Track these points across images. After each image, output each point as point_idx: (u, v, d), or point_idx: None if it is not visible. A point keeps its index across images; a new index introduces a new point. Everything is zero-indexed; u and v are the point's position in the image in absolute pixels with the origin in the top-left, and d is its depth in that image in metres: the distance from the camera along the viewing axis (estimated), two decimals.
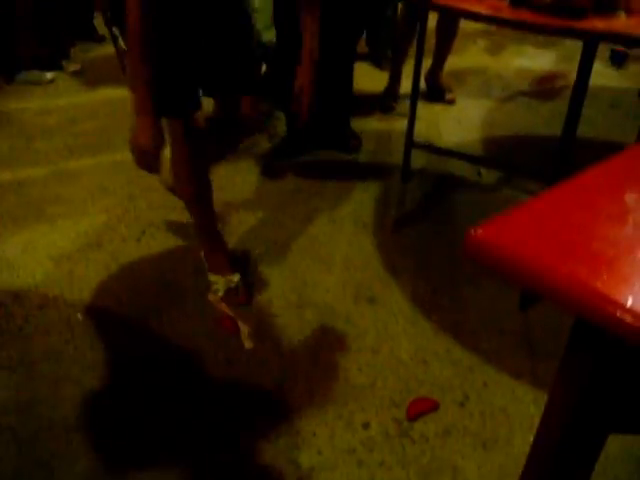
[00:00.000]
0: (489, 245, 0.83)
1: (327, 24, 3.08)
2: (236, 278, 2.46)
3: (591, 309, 0.75)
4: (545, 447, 1.00)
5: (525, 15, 2.05)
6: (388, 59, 4.42)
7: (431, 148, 3.31)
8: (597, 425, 0.95)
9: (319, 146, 3.53)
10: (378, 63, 4.77)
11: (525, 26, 2.07)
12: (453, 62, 4.38)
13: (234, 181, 3.21)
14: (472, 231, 0.85)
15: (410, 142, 3.15)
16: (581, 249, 0.83)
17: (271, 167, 3.38)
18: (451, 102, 4.23)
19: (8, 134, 3.70)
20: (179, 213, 2.85)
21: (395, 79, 4.16)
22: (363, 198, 3.09)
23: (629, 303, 0.72)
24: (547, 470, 1.03)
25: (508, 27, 2.16)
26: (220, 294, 2.43)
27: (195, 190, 2.34)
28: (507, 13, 2.05)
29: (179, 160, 2.28)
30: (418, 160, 3.31)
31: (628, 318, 0.71)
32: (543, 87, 4.58)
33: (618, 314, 0.72)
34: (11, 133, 3.71)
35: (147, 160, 2.11)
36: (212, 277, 2.48)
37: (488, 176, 3.33)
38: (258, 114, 3.64)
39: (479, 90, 4.47)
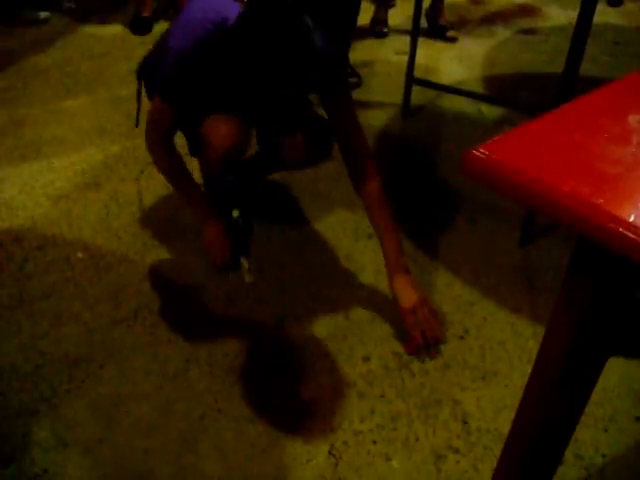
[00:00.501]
0: (489, 163, 0.82)
1: None
2: (235, 213, 2.45)
3: (593, 226, 0.75)
4: (544, 371, 1.01)
5: None
6: None
7: (432, 85, 3.26)
8: (597, 348, 0.95)
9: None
10: None
11: None
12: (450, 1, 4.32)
13: None
14: (472, 150, 0.83)
15: (410, 78, 3.11)
16: (583, 167, 0.82)
17: None
18: (452, 40, 4.17)
19: (3, 75, 3.65)
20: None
21: (380, 3, 4.11)
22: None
23: (631, 219, 0.72)
24: (545, 396, 1.04)
25: None
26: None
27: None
28: None
29: None
30: (418, 97, 3.27)
31: (631, 234, 0.70)
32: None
33: (621, 230, 0.71)
34: (6, 74, 3.66)
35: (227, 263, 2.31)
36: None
37: (489, 113, 3.30)
38: None
39: (480, 27, 4.40)
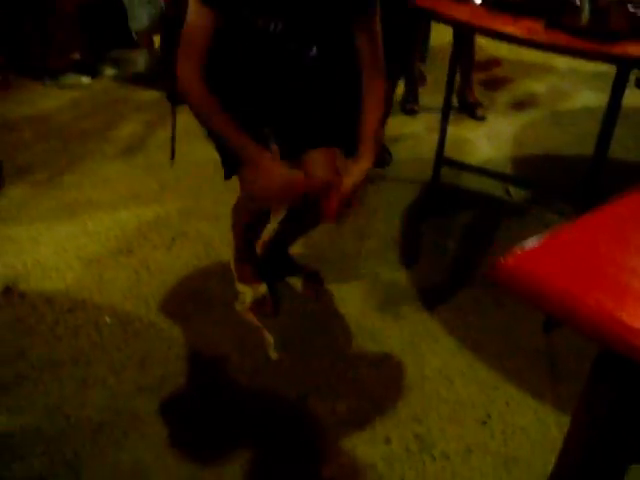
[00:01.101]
0: (517, 274, 0.85)
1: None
2: (263, 289, 2.50)
3: (616, 339, 0.77)
4: (566, 474, 1.02)
5: (560, 38, 2.06)
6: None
7: (460, 165, 3.32)
8: (618, 455, 0.96)
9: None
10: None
11: (559, 49, 2.09)
12: (482, 78, 4.40)
13: None
14: (501, 259, 0.86)
15: (440, 158, 3.16)
16: (608, 280, 0.85)
17: None
18: (481, 119, 4.23)
19: (45, 135, 3.76)
20: (209, 223, 2.89)
21: (411, 80, 4.20)
22: (392, 214, 3.11)
23: None
24: None
25: (542, 50, 2.18)
26: (247, 304, 2.46)
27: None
28: (542, 36, 2.07)
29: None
30: (447, 174, 3.32)
31: None
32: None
33: None
34: (48, 135, 3.77)
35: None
36: (240, 287, 2.52)
37: (517, 195, 3.34)
38: None
39: (510, 107, 4.46)
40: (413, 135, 3.92)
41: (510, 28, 2.13)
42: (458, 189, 3.37)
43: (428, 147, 3.54)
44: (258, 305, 2.47)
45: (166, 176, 3.23)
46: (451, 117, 3.13)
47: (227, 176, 2.16)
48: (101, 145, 3.64)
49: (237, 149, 1.97)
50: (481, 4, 2.39)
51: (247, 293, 2.50)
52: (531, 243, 0.90)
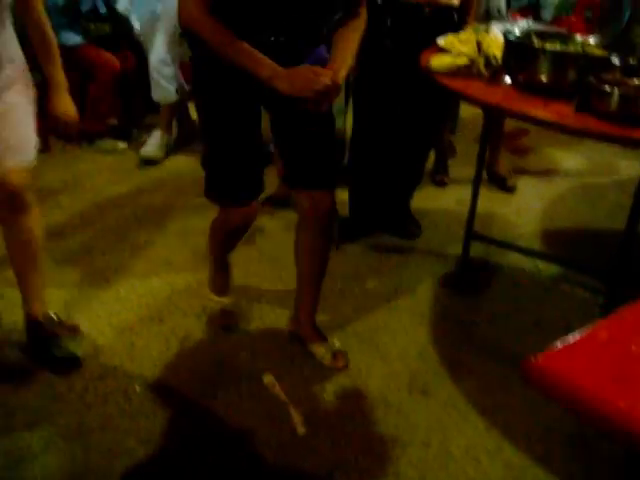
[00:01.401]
0: (547, 375, 0.86)
1: (407, 110, 3.23)
2: (231, 302, 2.76)
3: None
4: None
5: (590, 122, 2.09)
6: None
7: (490, 240, 3.33)
8: None
9: (379, 228, 3.60)
10: None
11: (589, 134, 2.12)
12: (511, 147, 4.43)
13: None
14: (532, 358, 0.88)
15: (470, 233, 3.18)
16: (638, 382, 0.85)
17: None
18: (511, 190, 4.26)
19: (80, 200, 3.85)
20: (239, 294, 2.92)
21: (440, 152, 4.25)
22: (421, 287, 3.12)
23: None
24: None
25: (573, 134, 2.21)
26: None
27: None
28: (572, 120, 2.10)
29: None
30: (477, 249, 3.33)
31: None
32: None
33: None
34: (83, 199, 3.86)
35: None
36: (210, 296, 2.78)
37: (547, 270, 3.33)
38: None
39: (540, 179, 4.49)
40: (442, 207, 3.95)
41: (540, 112, 2.16)
42: (488, 264, 3.38)
43: (457, 219, 3.57)
44: (224, 316, 2.78)
45: (198, 244, 3.26)
46: (480, 188, 3.16)
47: (207, 194, 2.39)
48: (135, 210, 3.72)
49: (256, 70, 2.02)
50: (511, 85, 2.44)
51: (216, 303, 2.77)
52: (561, 342, 0.91)
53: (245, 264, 3.13)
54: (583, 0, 6.02)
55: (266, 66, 2.02)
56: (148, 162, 4.35)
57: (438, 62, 2.45)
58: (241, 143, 2.26)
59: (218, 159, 2.31)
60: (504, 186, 4.26)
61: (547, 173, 4.59)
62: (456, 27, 3.03)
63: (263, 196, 2.52)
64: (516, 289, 3.19)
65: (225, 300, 2.79)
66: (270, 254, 3.31)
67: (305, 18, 2.10)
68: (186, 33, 2.18)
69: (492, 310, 3.00)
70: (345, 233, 3.48)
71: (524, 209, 4.03)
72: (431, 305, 3.00)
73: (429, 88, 2.73)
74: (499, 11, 3.87)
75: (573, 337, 0.93)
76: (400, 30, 3.08)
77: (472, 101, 2.40)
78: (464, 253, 3.25)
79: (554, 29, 2.71)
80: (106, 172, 4.23)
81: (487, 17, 3.70)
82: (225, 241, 2.61)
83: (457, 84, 2.42)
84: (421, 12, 3.05)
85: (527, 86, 2.36)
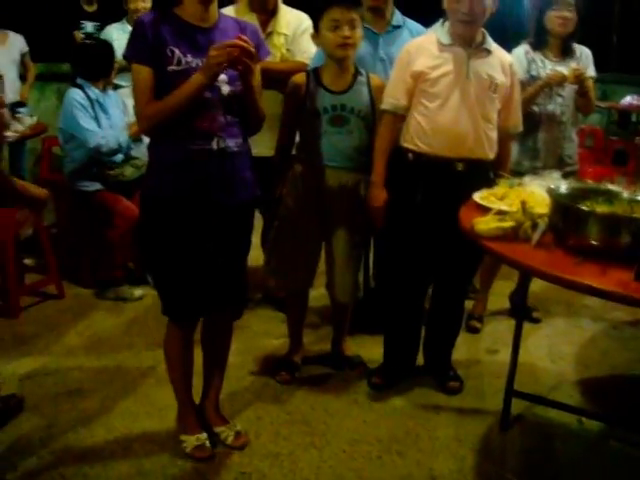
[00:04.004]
0: None
1: (446, 260, 3.15)
2: (203, 436, 2.87)
3: None
4: None
5: None
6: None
7: (531, 397, 3.18)
8: None
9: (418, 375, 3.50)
10: None
11: None
12: (535, 288, 4.35)
13: (328, 424, 3.12)
14: None
15: (510, 391, 3.05)
16: None
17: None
18: (537, 321, 4.20)
19: (96, 351, 3.74)
20: (270, 461, 2.77)
21: (477, 300, 4.17)
22: (463, 452, 2.94)
23: None
24: None
25: (636, 306, 2.09)
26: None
27: None
28: (636, 290, 1.98)
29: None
30: (516, 403, 3.17)
31: None
32: None
33: None
34: (99, 350, 3.74)
35: None
36: (183, 437, 2.85)
37: (589, 424, 3.16)
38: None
39: (567, 321, 4.36)
40: (475, 357, 3.81)
41: (599, 281, 2.04)
42: (529, 419, 3.21)
43: (491, 371, 3.45)
44: (198, 451, 2.81)
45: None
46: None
47: (165, 311, 2.74)
48: (155, 366, 3.53)
49: (187, 94, 2.41)
50: (559, 247, 2.33)
51: (189, 442, 2.83)
52: None
53: (275, 426, 2.98)
54: (584, 130, 6.10)
55: (193, 78, 2.41)
56: None
57: (484, 226, 2.36)
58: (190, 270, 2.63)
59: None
60: (530, 317, 4.17)
61: (574, 313, 4.47)
62: (489, 181, 3.01)
63: None
64: (560, 446, 3.03)
65: (197, 437, 2.85)
66: None
67: None
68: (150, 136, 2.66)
69: (537, 473, 2.85)
70: (377, 386, 3.41)
71: (557, 357, 3.87)
72: (475, 472, 2.81)
73: (464, 244, 2.67)
74: (570, 157, 3.94)
75: None
76: (431, 186, 3.04)
77: (522, 268, 2.30)
78: (505, 411, 3.09)
79: (593, 185, 2.64)
80: (122, 322, 4.11)
81: (561, 164, 3.74)
82: (183, 354, 2.83)
83: (504, 249, 2.32)
84: (454, 167, 3.01)
85: (577, 250, 2.25)
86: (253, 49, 2.37)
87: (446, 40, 3.02)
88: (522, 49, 3.84)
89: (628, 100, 6.86)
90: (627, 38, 10.90)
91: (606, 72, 6.48)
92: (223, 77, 2.47)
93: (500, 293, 4.36)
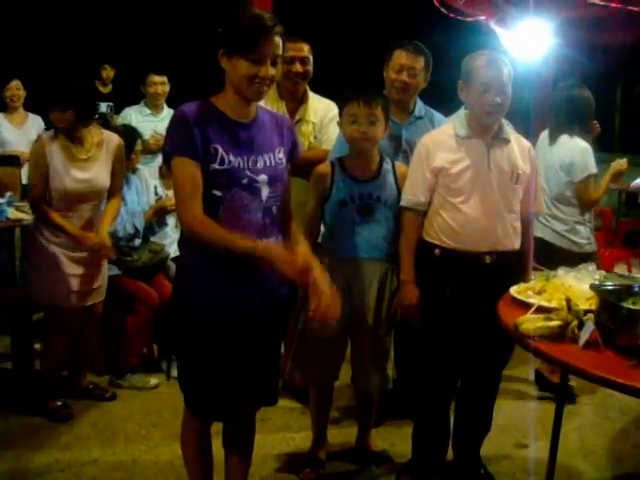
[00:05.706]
0: None
1: (476, 355, 3.05)
2: None
3: None
4: None
5: None
6: None
7: None
8: None
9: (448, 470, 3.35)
10: None
11: None
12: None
13: None
14: None
15: None
16: None
17: None
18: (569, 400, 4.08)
19: (111, 445, 3.59)
20: None
21: None
22: None
23: None
24: None
25: None
26: None
27: None
28: None
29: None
30: None
31: None
32: None
33: None
34: (114, 445, 3.60)
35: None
36: None
37: None
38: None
39: (596, 413, 4.23)
40: (507, 450, 3.67)
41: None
42: None
43: (525, 467, 3.33)
44: None
45: None
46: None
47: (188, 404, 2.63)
48: (173, 460, 3.38)
49: (251, 252, 2.31)
50: (607, 347, 2.23)
51: None
52: None
53: None
54: (593, 212, 6.04)
55: (259, 248, 2.34)
56: None
57: (530, 325, 2.27)
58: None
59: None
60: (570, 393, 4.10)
61: (600, 401, 4.34)
62: (516, 272, 2.96)
63: None
64: None
65: None
66: None
67: None
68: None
69: None
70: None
71: (588, 450, 3.72)
72: None
73: (496, 338, 2.58)
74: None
75: None
76: (460, 280, 2.97)
77: (573, 371, 2.21)
78: None
79: (630, 279, 2.57)
80: (137, 413, 3.97)
81: None
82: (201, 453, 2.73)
83: (551, 349, 2.22)
84: (482, 261, 2.95)
85: (629, 350, 2.17)
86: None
87: (464, 132, 2.98)
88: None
89: (638, 182, 6.85)
90: (629, 120, 11.06)
91: (612, 153, 6.50)
92: (263, 177, 2.43)
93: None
